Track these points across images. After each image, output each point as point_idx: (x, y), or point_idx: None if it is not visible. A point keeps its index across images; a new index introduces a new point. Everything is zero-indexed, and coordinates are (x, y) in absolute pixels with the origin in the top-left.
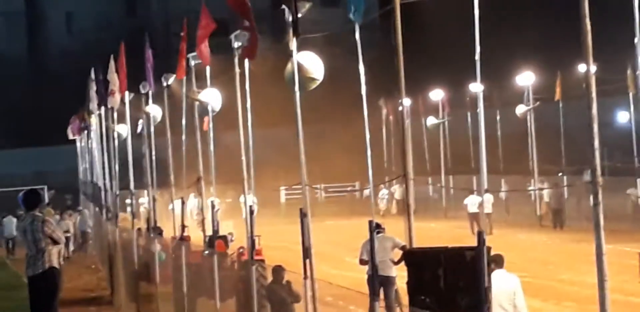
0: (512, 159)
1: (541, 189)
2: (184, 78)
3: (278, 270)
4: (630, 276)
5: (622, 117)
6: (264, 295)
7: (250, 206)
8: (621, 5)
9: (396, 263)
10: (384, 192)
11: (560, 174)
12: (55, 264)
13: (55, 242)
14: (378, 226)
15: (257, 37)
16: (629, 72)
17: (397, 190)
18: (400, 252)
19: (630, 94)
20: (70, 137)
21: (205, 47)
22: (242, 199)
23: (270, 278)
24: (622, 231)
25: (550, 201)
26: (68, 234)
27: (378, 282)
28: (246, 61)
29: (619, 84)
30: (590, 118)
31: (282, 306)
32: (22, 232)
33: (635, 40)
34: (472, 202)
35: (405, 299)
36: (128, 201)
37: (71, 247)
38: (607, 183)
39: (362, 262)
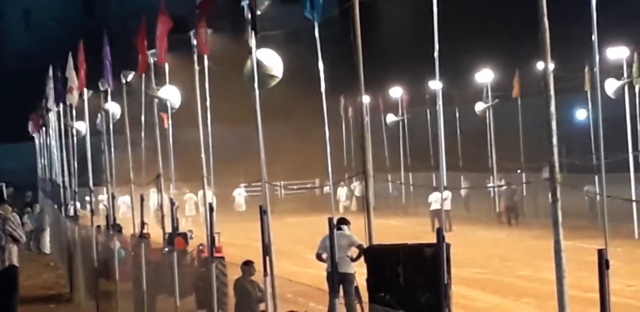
0: (471, 156)
1: (500, 186)
2: (143, 75)
3: (247, 266)
4: (588, 272)
5: (580, 114)
6: (224, 292)
7: (210, 203)
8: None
9: (354, 260)
10: (343, 189)
11: (518, 171)
12: (15, 262)
13: (16, 240)
14: (344, 221)
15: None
16: (586, 69)
17: (356, 187)
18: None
19: (588, 92)
20: (31, 134)
21: (162, 45)
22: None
23: (231, 274)
24: (580, 228)
25: (503, 197)
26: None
27: (337, 279)
28: (205, 58)
29: (576, 81)
30: (548, 115)
31: (249, 302)
32: None
33: (593, 37)
34: (435, 199)
35: (365, 295)
36: (87, 198)
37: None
38: (565, 180)
39: (318, 257)
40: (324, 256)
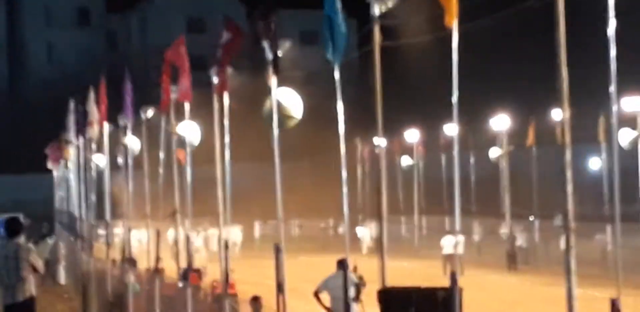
0: (484, 202)
1: (512, 232)
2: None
3: (255, 301)
4: None
5: (594, 163)
6: None
7: (226, 240)
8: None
9: (356, 299)
10: (366, 230)
11: (531, 217)
12: (34, 292)
13: (35, 270)
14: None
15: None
16: (600, 119)
17: (371, 228)
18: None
19: (603, 143)
20: (49, 166)
21: (185, 83)
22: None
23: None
24: (591, 276)
25: (507, 244)
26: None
27: None
28: (225, 96)
29: (590, 131)
30: (564, 163)
31: None
32: (4, 259)
33: (610, 88)
34: (447, 243)
35: None
36: (102, 231)
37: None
38: (577, 228)
39: (315, 294)
40: (322, 295)
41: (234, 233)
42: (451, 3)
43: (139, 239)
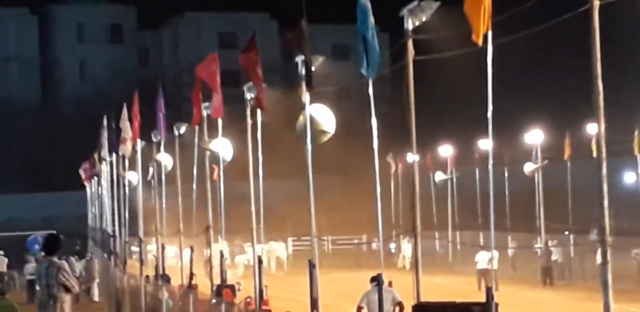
0: (519, 217)
1: (547, 246)
2: (196, 127)
3: None
4: None
5: (629, 177)
6: None
7: (259, 256)
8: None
9: None
10: (408, 245)
11: (566, 232)
12: (67, 310)
13: (68, 290)
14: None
15: (262, 88)
16: (636, 133)
17: (405, 244)
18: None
19: (639, 156)
20: (83, 183)
21: (217, 99)
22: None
23: None
24: (627, 291)
25: (541, 258)
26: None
27: None
28: (258, 112)
29: (626, 144)
30: (600, 177)
31: None
32: (38, 275)
33: None
34: (482, 258)
35: None
36: (135, 247)
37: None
38: (613, 243)
39: (358, 310)
40: (365, 310)
41: (280, 249)
42: (478, 20)
43: (174, 254)
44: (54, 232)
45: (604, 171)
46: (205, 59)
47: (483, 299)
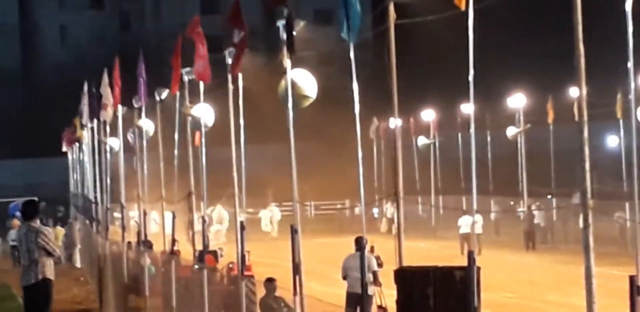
0: (502, 181)
1: (530, 210)
2: (177, 93)
3: (270, 283)
4: (617, 299)
5: (612, 141)
6: (252, 310)
7: (242, 222)
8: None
9: (375, 282)
10: (376, 210)
11: (549, 196)
12: (49, 275)
13: (50, 254)
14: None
15: (243, 52)
16: (618, 97)
17: (388, 209)
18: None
19: (621, 120)
20: (64, 149)
21: (204, 64)
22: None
23: (259, 293)
24: (610, 254)
25: (524, 222)
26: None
27: (356, 299)
28: (240, 77)
29: (609, 108)
30: (581, 141)
31: None
32: (19, 241)
33: (628, 64)
34: (465, 223)
35: None
36: (117, 214)
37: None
38: (596, 206)
39: (345, 278)
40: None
41: (275, 213)
42: None
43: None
44: (35, 198)
45: (586, 134)
46: (189, 23)
47: (465, 264)
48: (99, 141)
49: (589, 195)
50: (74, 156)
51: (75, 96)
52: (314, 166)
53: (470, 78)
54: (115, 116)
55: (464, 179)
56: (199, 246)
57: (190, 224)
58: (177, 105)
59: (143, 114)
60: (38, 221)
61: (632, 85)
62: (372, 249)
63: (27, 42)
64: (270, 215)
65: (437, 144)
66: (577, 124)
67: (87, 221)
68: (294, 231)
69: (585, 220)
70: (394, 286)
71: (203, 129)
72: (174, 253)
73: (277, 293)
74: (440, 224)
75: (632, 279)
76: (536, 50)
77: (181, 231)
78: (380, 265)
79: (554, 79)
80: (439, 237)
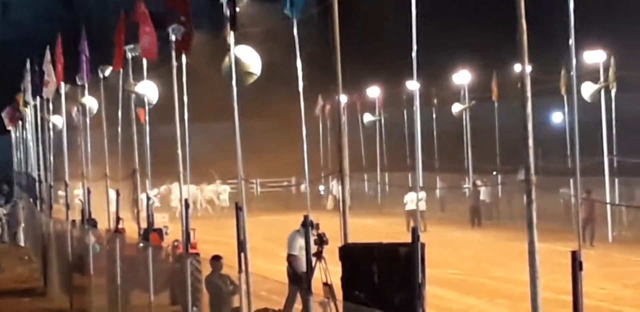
0: (447, 157)
1: (475, 187)
2: (121, 70)
3: (216, 260)
4: (561, 274)
5: (556, 117)
6: (198, 288)
7: (186, 199)
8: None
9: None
10: (322, 188)
11: (494, 172)
12: None
13: None
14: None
15: (192, 31)
16: (562, 73)
17: (334, 186)
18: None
19: (565, 96)
20: (6, 128)
21: (151, 41)
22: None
23: (205, 271)
24: (554, 230)
25: (469, 199)
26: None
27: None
28: (183, 55)
29: (553, 84)
30: (524, 117)
31: (221, 297)
32: None
33: (570, 41)
34: (411, 199)
35: (339, 294)
36: (61, 192)
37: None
38: (540, 182)
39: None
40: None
41: (223, 190)
42: None
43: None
44: None
45: (529, 110)
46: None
47: (410, 240)
48: (42, 119)
49: (532, 171)
50: (17, 134)
51: (18, 74)
52: (260, 143)
53: (414, 54)
54: (58, 93)
55: (409, 155)
56: (144, 224)
57: (135, 202)
58: (121, 82)
59: (86, 91)
60: None
61: (574, 61)
62: (317, 226)
63: None
64: (218, 192)
65: (382, 121)
66: (520, 101)
67: (31, 200)
68: (238, 209)
69: (529, 196)
70: (339, 263)
71: (147, 107)
72: (118, 231)
73: (223, 271)
74: (387, 200)
75: (574, 255)
76: (481, 26)
77: (126, 209)
78: (325, 242)
79: (499, 55)
80: (385, 213)
